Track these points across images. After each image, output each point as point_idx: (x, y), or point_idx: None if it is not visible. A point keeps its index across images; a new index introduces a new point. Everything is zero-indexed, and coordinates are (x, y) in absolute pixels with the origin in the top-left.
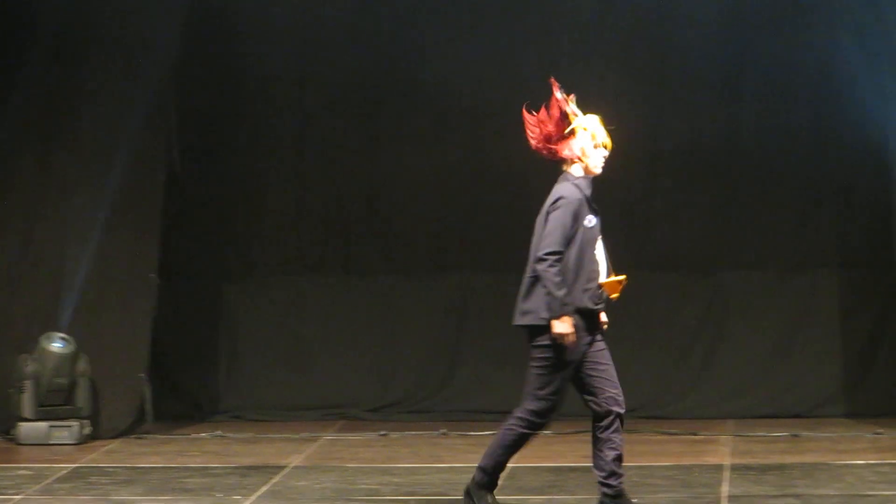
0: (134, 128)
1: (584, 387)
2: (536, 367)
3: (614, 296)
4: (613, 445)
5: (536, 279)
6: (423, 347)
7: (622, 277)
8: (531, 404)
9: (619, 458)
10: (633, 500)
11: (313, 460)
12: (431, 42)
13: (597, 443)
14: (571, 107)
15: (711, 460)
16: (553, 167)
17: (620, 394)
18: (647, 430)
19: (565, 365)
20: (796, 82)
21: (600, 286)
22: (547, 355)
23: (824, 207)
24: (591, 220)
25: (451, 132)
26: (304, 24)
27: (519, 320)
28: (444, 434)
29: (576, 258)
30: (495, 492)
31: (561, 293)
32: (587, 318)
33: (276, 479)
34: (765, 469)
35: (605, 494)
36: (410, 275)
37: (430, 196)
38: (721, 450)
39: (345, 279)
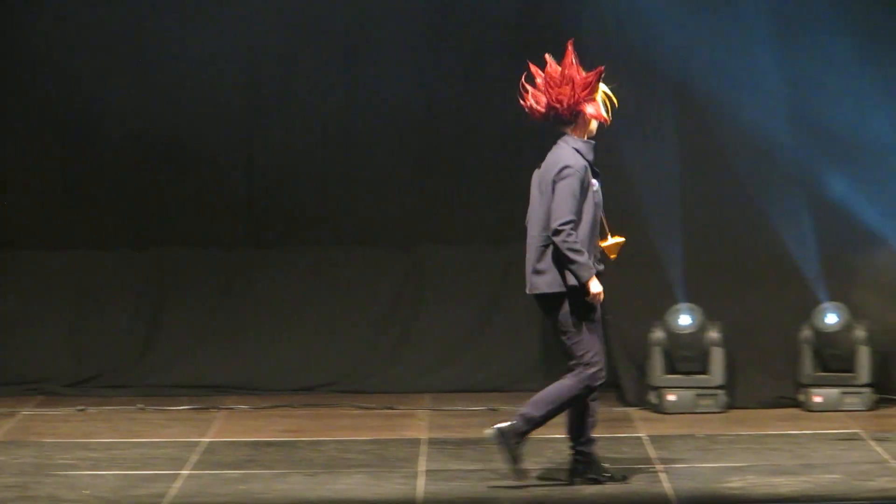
0: None
1: None
2: (569, 335)
3: (613, 257)
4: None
5: (546, 247)
6: (120, 322)
7: (621, 239)
8: (585, 371)
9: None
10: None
11: (11, 436)
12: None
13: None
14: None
15: (409, 434)
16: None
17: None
18: (344, 405)
19: (594, 320)
20: (491, 61)
21: (600, 249)
22: (574, 320)
23: (520, 182)
24: (595, 185)
25: (148, 102)
26: None
27: (540, 289)
28: (141, 409)
29: (591, 223)
30: None
31: (583, 258)
32: (599, 278)
33: None
34: (462, 443)
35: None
36: (107, 247)
37: (127, 167)
38: (419, 424)
39: (41, 252)
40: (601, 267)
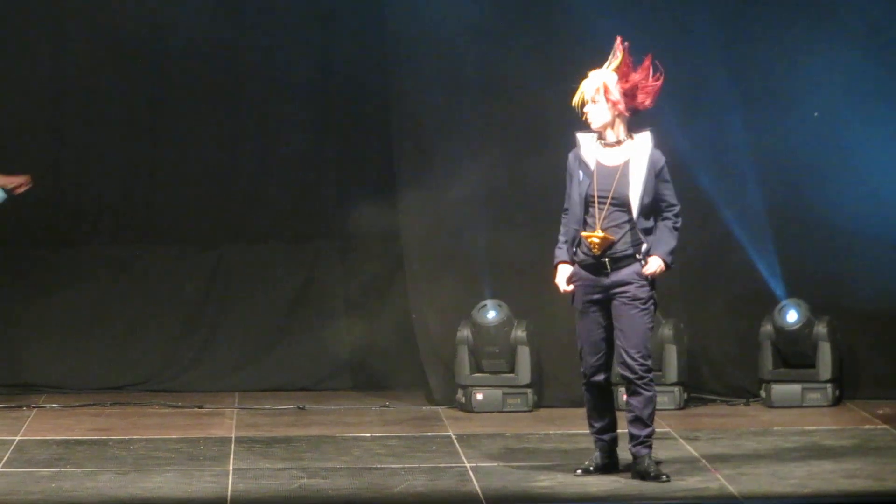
0: None
1: None
2: None
3: (595, 251)
4: (629, 408)
5: None
6: None
7: (601, 234)
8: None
9: (633, 420)
10: (651, 466)
11: None
12: None
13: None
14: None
15: (218, 433)
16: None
17: (629, 356)
18: (152, 404)
19: (579, 310)
20: (297, 63)
21: (586, 239)
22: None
23: (326, 180)
24: (580, 176)
25: None
26: None
27: None
28: None
29: (574, 212)
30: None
31: (557, 245)
32: (591, 271)
33: None
34: (271, 442)
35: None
36: None
37: None
38: (227, 423)
39: None
40: (582, 258)
